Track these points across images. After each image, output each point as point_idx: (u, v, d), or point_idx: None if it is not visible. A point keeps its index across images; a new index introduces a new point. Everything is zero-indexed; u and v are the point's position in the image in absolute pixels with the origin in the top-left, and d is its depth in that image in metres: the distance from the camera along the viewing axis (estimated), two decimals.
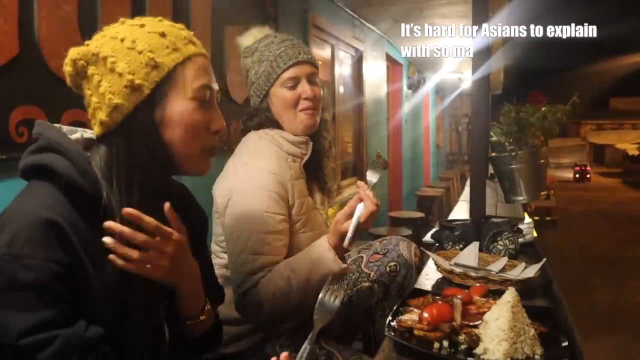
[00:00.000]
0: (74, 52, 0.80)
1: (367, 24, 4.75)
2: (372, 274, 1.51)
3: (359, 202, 1.15)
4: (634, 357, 3.10)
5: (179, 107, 0.81)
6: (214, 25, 2.17)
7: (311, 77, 1.36)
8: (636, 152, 18.85)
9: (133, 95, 0.78)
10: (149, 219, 0.76)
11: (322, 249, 1.19)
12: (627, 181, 15.24)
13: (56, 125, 0.85)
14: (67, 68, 0.80)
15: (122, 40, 0.79)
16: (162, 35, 0.81)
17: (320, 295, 0.95)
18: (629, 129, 24.53)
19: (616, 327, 3.53)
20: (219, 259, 1.34)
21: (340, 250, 1.19)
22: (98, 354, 0.72)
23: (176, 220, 0.81)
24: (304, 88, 1.33)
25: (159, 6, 1.80)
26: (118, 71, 0.78)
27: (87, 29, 1.46)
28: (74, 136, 0.84)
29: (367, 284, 1.51)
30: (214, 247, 1.40)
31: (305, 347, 0.85)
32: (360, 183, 1.19)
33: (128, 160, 0.79)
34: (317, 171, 1.44)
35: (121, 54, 0.78)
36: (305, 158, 1.36)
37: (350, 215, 1.15)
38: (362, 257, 1.48)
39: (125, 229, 0.75)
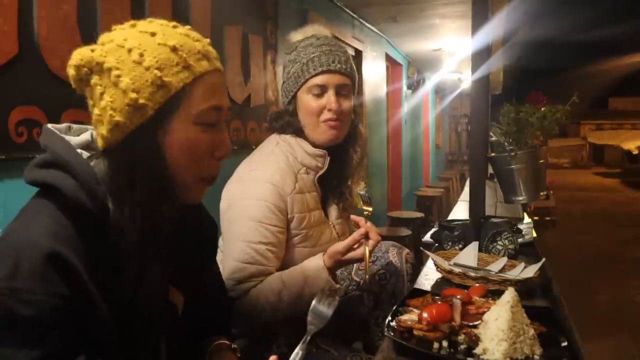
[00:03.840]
0: (77, 57, 0.74)
1: (367, 24, 4.74)
2: (361, 282, 1.50)
3: (362, 235, 1.18)
4: (634, 357, 3.10)
5: (181, 132, 0.76)
6: (214, 25, 2.16)
7: (340, 89, 1.31)
8: (636, 152, 18.81)
9: (136, 114, 0.72)
10: None
11: (317, 268, 1.21)
12: (627, 181, 15.20)
13: (65, 126, 0.81)
14: (70, 72, 0.75)
15: (130, 51, 0.73)
16: (174, 50, 0.74)
17: (314, 301, 0.96)
18: (629, 129, 24.52)
19: (616, 327, 3.52)
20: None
21: (332, 269, 1.22)
22: None
23: None
24: (330, 99, 1.29)
25: (158, 6, 1.80)
26: (122, 87, 0.72)
27: (87, 28, 1.47)
28: (83, 137, 0.80)
29: (356, 292, 1.50)
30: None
31: (297, 352, 0.84)
32: (359, 218, 1.23)
33: (130, 179, 0.74)
34: (338, 185, 1.40)
35: (127, 67, 0.72)
36: (321, 172, 1.33)
37: (351, 248, 1.19)
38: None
39: None
